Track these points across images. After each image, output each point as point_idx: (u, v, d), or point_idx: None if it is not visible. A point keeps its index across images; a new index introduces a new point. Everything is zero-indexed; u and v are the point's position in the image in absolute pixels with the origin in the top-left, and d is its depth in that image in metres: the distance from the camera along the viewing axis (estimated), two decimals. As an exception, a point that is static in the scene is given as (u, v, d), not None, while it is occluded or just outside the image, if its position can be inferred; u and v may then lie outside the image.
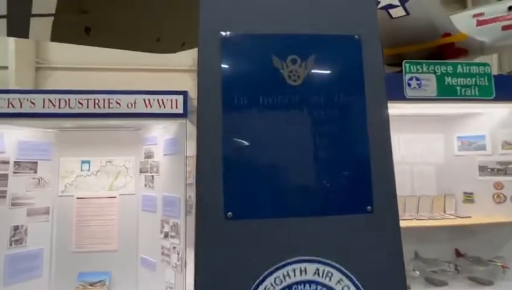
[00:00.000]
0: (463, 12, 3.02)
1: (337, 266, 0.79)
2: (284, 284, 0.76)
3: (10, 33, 3.28)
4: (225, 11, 0.91)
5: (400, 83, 2.62)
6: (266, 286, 0.76)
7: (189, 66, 8.14)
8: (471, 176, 3.08)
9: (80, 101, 2.40)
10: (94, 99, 2.42)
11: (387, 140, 0.95)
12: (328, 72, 0.95)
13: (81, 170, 2.97)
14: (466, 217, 2.93)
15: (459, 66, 2.66)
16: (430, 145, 3.27)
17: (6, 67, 8.12)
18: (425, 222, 2.87)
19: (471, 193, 3.09)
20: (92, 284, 2.85)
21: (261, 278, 0.76)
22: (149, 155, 3.00)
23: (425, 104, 2.68)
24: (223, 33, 0.89)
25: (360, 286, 0.80)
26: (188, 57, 7.43)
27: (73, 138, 2.93)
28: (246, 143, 0.87)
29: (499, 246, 2.91)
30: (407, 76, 2.63)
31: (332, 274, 0.79)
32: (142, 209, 3.02)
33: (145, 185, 3.02)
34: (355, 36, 0.96)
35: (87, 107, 2.41)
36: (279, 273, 0.77)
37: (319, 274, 0.78)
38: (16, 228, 2.67)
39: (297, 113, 0.91)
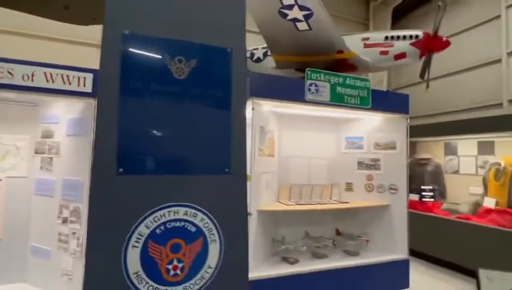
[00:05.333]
0: (355, 35, 3.67)
1: (201, 209, 1.12)
2: (161, 221, 1.06)
3: None
4: (128, 14, 1.11)
5: (303, 87, 3.05)
6: (147, 222, 1.04)
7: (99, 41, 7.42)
8: (351, 169, 3.80)
9: (-42, 66, 2.07)
10: (-22, 66, 2.11)
11: (243, 126, 1.24)
12: (206, 72, 1.20)
13: (-42, 147, 2.53)
14: (345, 203, 3.60)
15: (348, 78, 3.24)
16: (325, 143, 3.88)
17: None
18: (315, 206, 3.41)
19: (351, 183, 3.81)
20: (-36, 279, 2.49)
21: (143, 217, 1.03)
22: (48, 135, 2.75)
23: (320, 107, 3.17)
24: (126, 32, 1.09)
25: (216, 223, 1.15)
26: (99, 33, 6.77)
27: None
28: (138, 117, 1.09)
29: (366, 224, 3.68)
30: (308, 82, 3.07)
31: (197, 215, 1.12)
32: (36, 193, 2.75)
33: (41, 168, 2.76)
34: (228, 49, 1.24)
35: (-31, 74, 2.10)
36: (157, 213, 1.06)
37: (187, 215, 1.11)
38: None
39: (180, 98, 1.16)
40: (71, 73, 2.39)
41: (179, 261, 1.04)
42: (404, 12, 10.92)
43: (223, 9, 1.24)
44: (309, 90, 3.07)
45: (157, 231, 1.04)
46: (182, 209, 1.09)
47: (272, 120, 3.40)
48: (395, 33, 3.49)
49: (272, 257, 3.23)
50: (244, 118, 1.21)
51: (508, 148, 4.30)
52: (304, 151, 3.77)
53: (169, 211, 1.07)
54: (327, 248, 3.41)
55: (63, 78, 2.36)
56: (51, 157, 2.72)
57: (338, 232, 3.69)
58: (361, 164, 3.75)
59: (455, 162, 5.01)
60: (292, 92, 3.01)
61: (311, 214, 3.64)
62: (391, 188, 3.59)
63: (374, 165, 3.69)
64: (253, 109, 2.86)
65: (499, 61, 8.14)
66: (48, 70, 2.32)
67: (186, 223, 1.08)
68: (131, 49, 1.09)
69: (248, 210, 2.83)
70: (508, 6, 8.02)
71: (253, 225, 2.89)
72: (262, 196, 3.13)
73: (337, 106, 3.18)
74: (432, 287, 3.95)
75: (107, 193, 1.02)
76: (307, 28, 2.86)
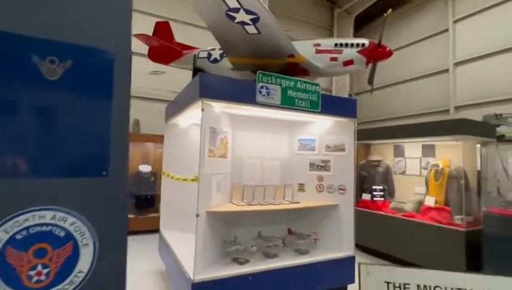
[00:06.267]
0: (307, 40, 3.81)
1: (73, 213, 1.10)
2: (23, 226, 1.02)
3: None
4: None
5: (254, 89, 3.09)
6: (5, 228, 1.00)
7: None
8: (304, 170, 3.92)
9: None
10: None
11: (125, 129, 1.24)
12: (83, 74, 1.16)
13: None
14: (297, 203, 3.71)
15: (299, 82, 3.33)
16: (278, 144, 3.97)
17: None
18: (267, 207, 3.48)
19: (303, 184, 3.93)
20: None
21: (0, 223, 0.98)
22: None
23: (271, 110, 3.24)
24: None
25: (90, 227, 1.12)
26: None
27: None
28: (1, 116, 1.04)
29: (317, 223, 3.82)
30: (259, 84, 3.12)
31: (67, 218, 1.09)
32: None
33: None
34: (110, 50, 1.21)
35: None
36: (19, 218, 1.02)
37: (55, 219, 1.07)
38: None
39: (50, 99, 1.12)
40: None
41: (44, 266, 1.02)
42: (366, 21, 11.52)
43: (106, 9, 1.21)
44: (260, 92, 3.12)
45: (18, 236, 1.00)
46: (50, 213, 1.05)
47: (224, 121, 3.41)
48: (344, 41, 3.66)
49: (222, 258, 3.24)
50: (127, 121, 1.20)
51: (446, 151, 4.69)
52: (258, 152, 3.83)
53: (33, 216, 1.03)
54: (278, 247, 3.48)
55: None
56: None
57: (290, 232, 3.79)
58: (312, 165, 3.88)
59: (402, 163, 5.36)
60: (243, 94, 3.04)
61: (265, 214, 3.70)
62: (340, 189, 3.75)
63: (324, 166, 3.84)
64: (202, 110, 2.86)
65: (447, 71, 8.85)
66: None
67: (54, 228, 1.05)
68: None
69: (196, 211, 2.83)
70: (455, 21, 8.74)
71: (201, 226, 2.88)
72: (212, 197, 3.13)
73: (288, 109, 3.27)
74: (377, 282, 4.18)
75: None
76: (255, 31, 2.91)
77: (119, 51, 1.21)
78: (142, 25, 6.22)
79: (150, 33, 4.86)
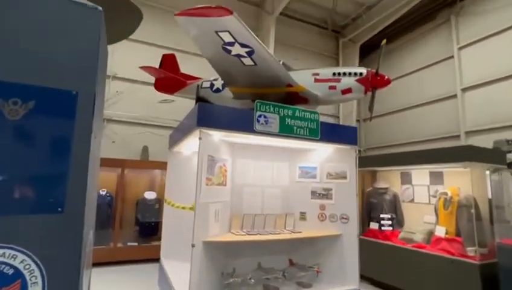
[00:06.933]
0: (306, 70, 3.90)
1: (23, 250, 1.08)
2: None
3: None
4: None
5: (252, 118, 3.14)
6: None
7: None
8: (305, 198, 3.85)
9: None
10: None
11: (85, 167, 1.25)
12: (44, 114, 1.20)
13: None
14: (298, 232, 3.60)
15: (297, 111, 3.38)
16: (278, 172, 3.94)
17: None
18: (267, 236, 3.39)
19: (305, 212, 3.84)
20: None
21: None
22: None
23: (270, 138, 3.26)
24: None
25: (40, 265, 1.09)
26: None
27: None
28: None
29: (319, 254, 3.68)
30: (257, 113, 3.18)
31: (17, 256, 1.07)
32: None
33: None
34: (73, 92, 1.25)
35: None
36: None
37: (4, 256, 1.06)
38: None
39: (9, 136, 1.14)
40: None
41: None
42: (372, 49, 11.73)
43: (70, 50, 1.26)
44: (258, 121, 3.16)
45: None
46: None
47: (224, 149, 3.45)
48: (342, 70, 3.73)
49: (220, 291, 3.13)
50: (86, 159, 1.21)
51: (455, 178, 4.53)
52: (258, 180, 3.81)
53: (-20, 254, 1.03)
54: (278, 280, 3.34)
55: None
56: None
57: (291, 263, 3.65)
58: (314, 193, 3.81)
59: (410, 191, 5.19)
60: (241, 122, 3.10)
61: (265, 244, 3.60)
62: (342, 218, 3.64)
63: (326, 194, 3.77)
64: (200, 138, 2.91)
65: (455, 96, 8.79)
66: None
67: (3, 265, 1.04)
68: None
69: (192, 241, 2.79)
70: (460, 48, 8.81)
71: (197, 257, 2.82)
72: (210, 227, 3.09)
73: (287, 137, 3.28)
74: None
75: None
76: (252, 63, 3.02)
77: (83, 90, 1.26)
78: (156, 56, 6.56)
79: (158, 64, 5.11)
